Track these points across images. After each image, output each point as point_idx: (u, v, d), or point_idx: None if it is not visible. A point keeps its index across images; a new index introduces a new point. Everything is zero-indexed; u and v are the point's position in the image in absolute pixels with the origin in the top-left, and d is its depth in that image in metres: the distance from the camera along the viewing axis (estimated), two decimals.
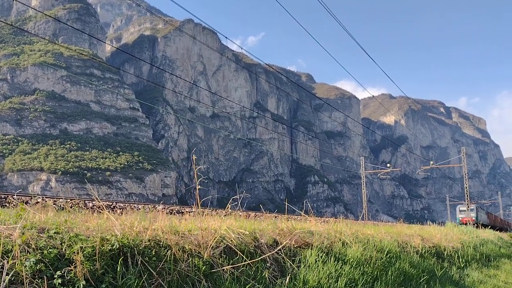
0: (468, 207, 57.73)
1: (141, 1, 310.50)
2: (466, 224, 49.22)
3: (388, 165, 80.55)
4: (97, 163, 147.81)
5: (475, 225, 49.26)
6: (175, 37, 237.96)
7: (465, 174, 58.25)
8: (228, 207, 7.08)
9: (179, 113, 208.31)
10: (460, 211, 59.24)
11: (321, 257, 7.04)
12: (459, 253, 15.19)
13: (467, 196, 56.51)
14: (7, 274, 3.59)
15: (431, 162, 65.19)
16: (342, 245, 8.35)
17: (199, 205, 6.65)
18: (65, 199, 7.77)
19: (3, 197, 7.92)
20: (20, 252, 3.87)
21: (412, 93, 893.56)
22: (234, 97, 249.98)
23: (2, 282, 3.50)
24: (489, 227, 50.89)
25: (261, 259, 6.20)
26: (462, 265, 13.86)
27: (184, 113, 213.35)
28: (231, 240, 6.18)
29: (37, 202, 7.11)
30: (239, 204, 7.54)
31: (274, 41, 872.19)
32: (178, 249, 5.25)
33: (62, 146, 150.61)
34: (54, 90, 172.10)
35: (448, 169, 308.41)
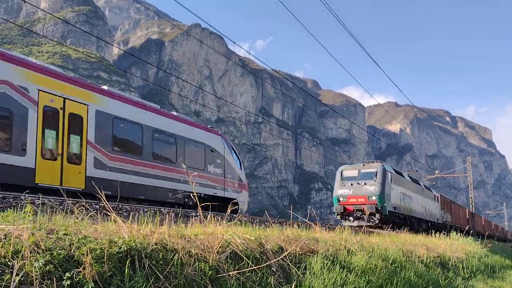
0: (360, 170, 26.59)
1: (149, 5, 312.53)
2: (351, 214, 25.25)
3: None
4: None
5: (377, 215, 24.53)
6: (182, 41, 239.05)
7: (470, 184, 57.86)
8: (228, 211, 7.09)
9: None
10: (343, 179, 26.68)
11: (327, 264, 7.03)
12: (464, 263, 15.11)
13: (472, 206, 55.98)
14: (17, 275, 3.61)
15: (436, 171, 64.61)
16: (347, 253, 8.33)
17: (200, 212, 6.65)
18: (71, 200, 7.80)
19: (11, 197, 7.97)
20: (30, 252, 3.90)
21: (419, 102, 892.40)
22: (239, 102, 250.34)
23: (12, 283, 3.53)
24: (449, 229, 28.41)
25: (266, 265, 6.20)
26: (467, 276, 13.78)
27: (189, 117, 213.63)
28: (237, 246, 6.19)
29: (44, 203, 7.14)
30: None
31: (282, 45, 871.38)
32: (185, 253, 5.27)
33: None
34: None
35: (453, 178, 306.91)
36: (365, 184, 25.48)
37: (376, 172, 25.83)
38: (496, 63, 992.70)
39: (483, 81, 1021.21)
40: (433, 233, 20.77)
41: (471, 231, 42.59)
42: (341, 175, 26.84)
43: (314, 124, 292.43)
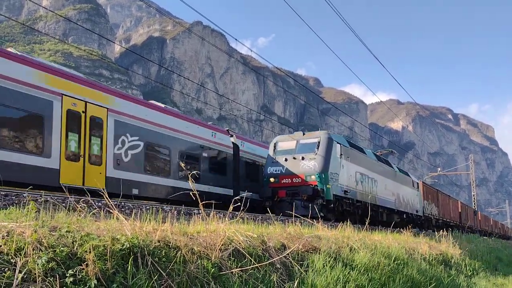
0: (299, 141, 19.38)
1: (151, 3, 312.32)
2: (284, 200, 18.04)
3: None
4: None
5: (318, 201, 17.31)
6: (183, 39, 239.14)
7: (473, 182, 57.72)
8: (230, 209, 7.09)
9: (186, 114, 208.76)
10: (276, 153, 19.48)
11: (329, 262, 7.02)
12: (466, 261, 15.09)
13: (474, 204, 55.88)
14: (20, 272, 3.61)
15: (439, 169, 64.39)
16: (350, 251, 8.32)
17: (202, 209, 6.64)
18: (74, 197, 7.81)
19: (13, 194, 7.98)
20: (32, 250, 3.90)
21: (421, 100, 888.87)
22: (241, 99, 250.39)
23: (15, 280, 3.52)
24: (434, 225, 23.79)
25: (269, 262, 6.20)
26: (469, 273, 13.77)
27: (191, 115, 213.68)
28: (239, 243, 6.19)
29: (47, 201, 7.15)
30: (242, 206, 7.51)
31: (284, 43, 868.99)
32: (187, 251, 5.26)
33: None
34: None
35: (455, 176, 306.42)
36: (302, 158, 18.45)
37: (319, 142, 18.72)
38: (499, 61, 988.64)
39: (486, 79, 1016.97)
40: (394, 228, 15.63)
41: (473, 228, 40.18)
42: (275, 148, 19.83)
43: (316, 121, 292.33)
